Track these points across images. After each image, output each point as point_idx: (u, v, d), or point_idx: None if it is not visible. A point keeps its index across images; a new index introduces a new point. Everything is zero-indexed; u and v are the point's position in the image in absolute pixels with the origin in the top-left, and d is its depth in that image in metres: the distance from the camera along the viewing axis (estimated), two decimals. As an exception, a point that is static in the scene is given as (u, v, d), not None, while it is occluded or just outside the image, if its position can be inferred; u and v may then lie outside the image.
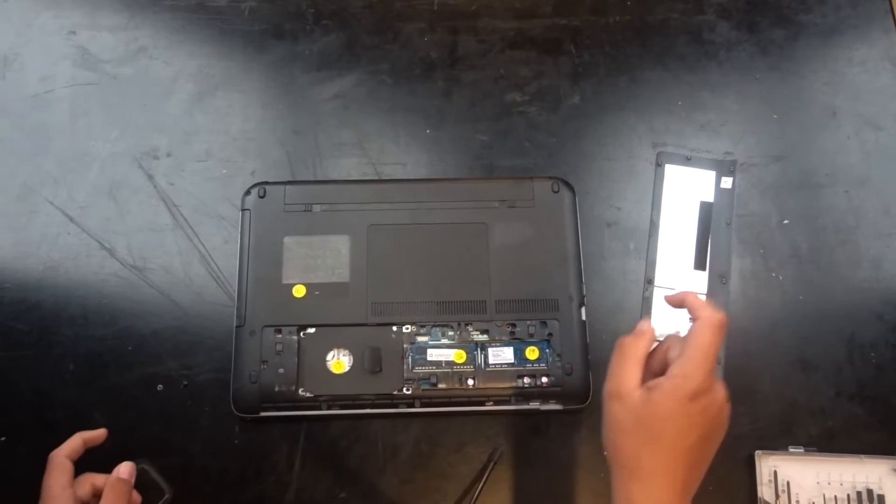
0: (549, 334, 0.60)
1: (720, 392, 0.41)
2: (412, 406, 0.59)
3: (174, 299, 0.63)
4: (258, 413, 0.59)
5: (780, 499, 0.58)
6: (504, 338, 0.60)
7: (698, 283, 0.64)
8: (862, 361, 0.63)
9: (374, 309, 0.61)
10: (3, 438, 0.60)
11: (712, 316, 0.40)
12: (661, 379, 0.40)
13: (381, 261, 0.62)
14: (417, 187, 0.65)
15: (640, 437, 0.40)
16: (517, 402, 0.59)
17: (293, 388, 0.59)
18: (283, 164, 0.68)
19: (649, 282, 0.64)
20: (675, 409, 0.39)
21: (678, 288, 0.64)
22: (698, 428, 0.39)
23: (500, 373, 0.60)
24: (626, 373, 0.42)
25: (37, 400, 0.61)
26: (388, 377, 0.59)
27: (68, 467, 0.50)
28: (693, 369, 0.39)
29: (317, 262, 0.62)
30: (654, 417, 0.39)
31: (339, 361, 0.60)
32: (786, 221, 0.67)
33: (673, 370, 0.40)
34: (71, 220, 0.66)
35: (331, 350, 0.60)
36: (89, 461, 0.52)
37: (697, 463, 0.40)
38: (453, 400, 0.59)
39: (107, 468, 0.58)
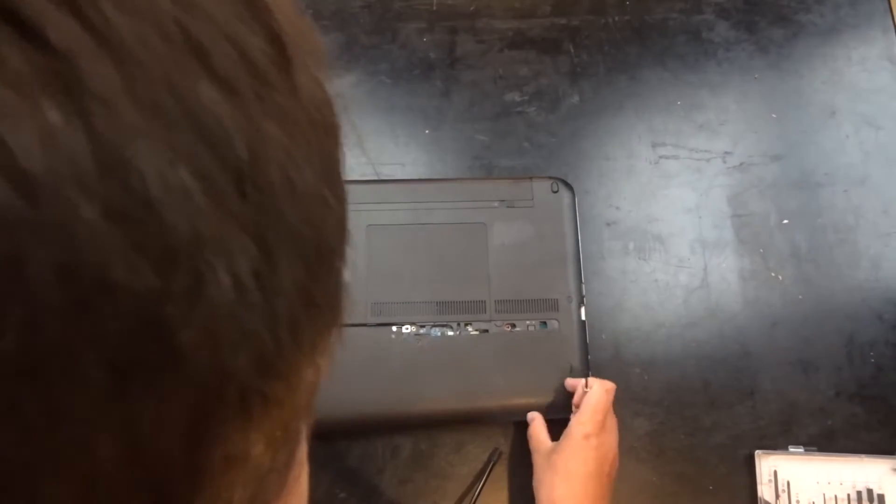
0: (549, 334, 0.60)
1: (611, 436, 0.53)
2: (412, 406, 0.59)
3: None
4: None
5: (780, 498, 0.58)
6: (504, 338, 0.60)
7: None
8: (861, 361, 0.63)
9: (374, 309, 0.60)
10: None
11: (604, 383, 0.55)
12: (565, 431, 0.54)
13: (381, 261, 0.62)
14: (416, 187, 0.65)
15: (552, 472, 0.52)
16: (517, 403, 0.59)
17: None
18: (282, 165, 0.68)
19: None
20: (574, 446, 0.52)
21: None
22: (593, 460, 0.51)
23: (500, 373, 0.60)
24: (539, 435, 0.56)
25: (36, 401, 0.60)
26: (387, 377, 0.59)
27: None
28: (586, 419, 0.52)
29: (316, 263, 0.62)
30: (560, 455, 0.52)
31: (339, 362, 0.59)
32: (785, 221, 0.67)
33: (571, 421, 0.54)
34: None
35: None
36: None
37: (598, 493, 0.51)
38: (453, 400, 0.59)
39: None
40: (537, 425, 0.57)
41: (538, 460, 0.55)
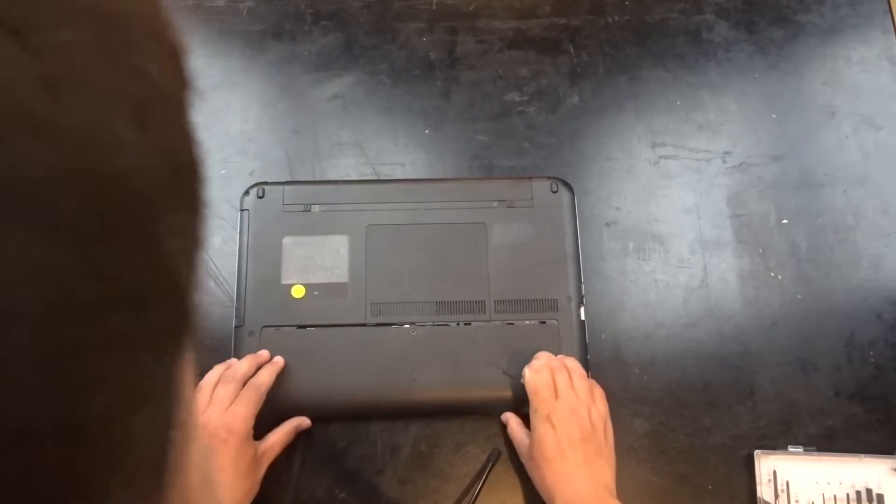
0: (549, 334, 0.60)
1: (563, 403, 0.54)
2: (411, 406, 0.59)
3: (173, 300, 0.63)
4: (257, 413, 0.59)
5: (780, 498, 0.58)
6: (503, 338, 0.60)
7: (697, 282, 0.64)
8: (861, 361, 0.63)
9: (374, 309, 0.61)
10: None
11: (531, 365, 0.56)
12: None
13: (380, 261, 0.62)
14: (416, 187, 0.65)
15: (537, 468, 0.54)
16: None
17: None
18: (281, 165, 0.68)
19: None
20: (539, 435, 0.54)
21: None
22: (559, 439, 0.53)
23: (500, 373, 0.60)
24: (517, 435, 0.58)
25: (36, 401, 0.60)
26: (387, 377, 0.59)
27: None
28: (534, 405, 0.55)
29: (316, 263, 0.62)
30: (535, 448, 0.54)
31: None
32: (785, 221, 0.67)
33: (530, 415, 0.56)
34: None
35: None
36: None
37: (584, 458, 0.52)
38: (453, 400, 0.59)
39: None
40: (514, 426, 0.58)
41: (525, 462, 0.56)
